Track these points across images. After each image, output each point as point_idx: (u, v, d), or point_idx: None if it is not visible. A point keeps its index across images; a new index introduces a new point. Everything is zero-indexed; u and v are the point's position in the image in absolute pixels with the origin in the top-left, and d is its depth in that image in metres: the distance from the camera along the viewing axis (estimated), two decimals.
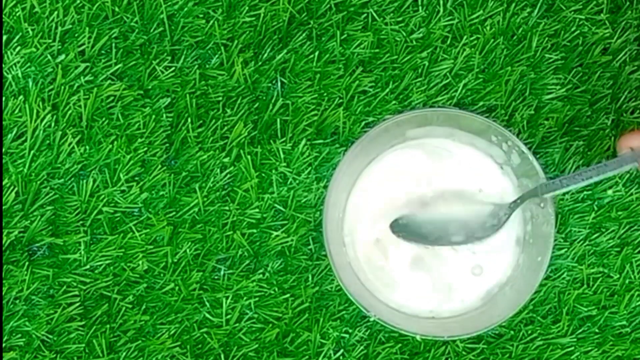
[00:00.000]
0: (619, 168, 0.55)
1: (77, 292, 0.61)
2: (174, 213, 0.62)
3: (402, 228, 0.60)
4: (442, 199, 0.61)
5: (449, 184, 0.61)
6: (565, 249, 0.63)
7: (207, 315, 0.62)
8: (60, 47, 0.61)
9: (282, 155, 0.62)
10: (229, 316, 0.62)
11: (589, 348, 0.63)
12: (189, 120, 0.62)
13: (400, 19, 0.62)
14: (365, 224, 0.61)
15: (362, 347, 0.63)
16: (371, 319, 0.57)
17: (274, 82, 0.62)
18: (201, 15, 0.62)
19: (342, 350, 0.63)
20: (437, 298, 0.61)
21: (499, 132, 0.58)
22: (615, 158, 0.55)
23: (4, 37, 0.61)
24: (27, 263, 0.61)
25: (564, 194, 0.63)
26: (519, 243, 0.61)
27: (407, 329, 0.58)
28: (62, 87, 0.61)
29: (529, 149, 0.58)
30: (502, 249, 0.61)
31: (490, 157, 0.61)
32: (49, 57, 0.61)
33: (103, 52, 0.62)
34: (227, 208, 0.62)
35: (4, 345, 0.60)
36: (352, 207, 0.61)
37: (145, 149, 0.62)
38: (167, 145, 0.62)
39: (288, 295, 0.62)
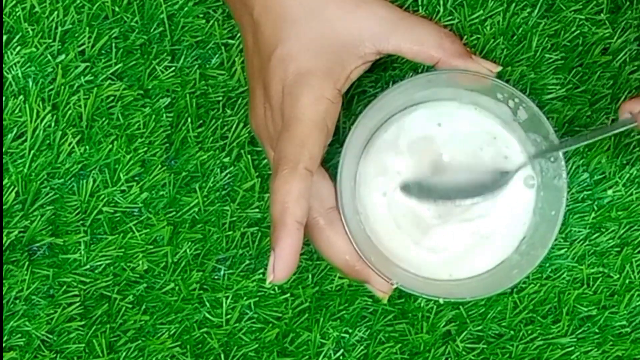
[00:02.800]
0: (619, 128, 0.57)
1: (77, 292, 0.61)
2: (174, 213, 0.62)
3: (414, 190, 0.60)
4: (456, 161, 0.60)
5: (458, 145, 0.61)
6: (565, 249, 0.63)
7: (207, 315, 0.62)
8: (60, 47, 0.61)
9: None
10: (229, 316, 0.62)
11: (589, 348, 0.63)
12: (189, 120, 0.62)
13: None
14: (377, 192, 0.61)
15: (362, 347, 0.63)
16: (394, 286, 0.57)
17: None
18: (201, 15, 0.62)
19: (342, 350, 0.63)
20: (453, 261, 0.60)
21: (504, 89, 0.58)
22: (616, 122, 0.57)
23: (4, 37, 0.61)
24: (27, 263, 0.61)
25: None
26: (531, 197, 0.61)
27: (430, 293, 0.58)
28: (62, 87, 0.61)
29: (537, 105, 0.58)
30: (514, 204, 0.61)
31: (496, 115, 0.60)
32: (49, 57, 0.61)
33: (103, 52, 0.62)
34: (227, 208, 0.62)
35: (4, 345, 0.61)
36: (363, 176, 0.60)
37: (145, 149, 0.62)
38: (167, 145, 0.62)
39: (288, 295, 0.62)
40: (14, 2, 0.61)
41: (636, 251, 0.64)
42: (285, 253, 0.52)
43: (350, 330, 0.62)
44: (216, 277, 0.62)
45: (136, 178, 0.62)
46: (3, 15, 0.61)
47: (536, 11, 0.63)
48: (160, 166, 0.62)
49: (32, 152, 0.61)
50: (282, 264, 0.52)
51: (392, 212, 0.60)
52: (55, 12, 0.61)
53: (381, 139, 0.61)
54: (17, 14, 0.61)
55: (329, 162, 0.61)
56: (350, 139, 0.57)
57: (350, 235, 0.57)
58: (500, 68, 0.59)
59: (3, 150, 0.61)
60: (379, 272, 0.57)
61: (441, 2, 0.62)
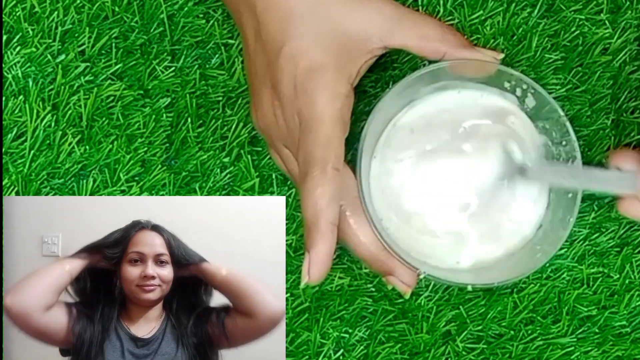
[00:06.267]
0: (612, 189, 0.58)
1: None
2: None
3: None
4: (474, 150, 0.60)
5: (476, 135, 0.60)
6: (565, 249, 0.63)
7: None
8: (60, 47, 0.61)
9: None
10: None
11: (589, 348, 0.63)
12: (189, 120, 0.62)
13: None
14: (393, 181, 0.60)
15: (362, 347, 0.63)
16: (421, 276, 0.57)
17: None
18: (201, 15, 0.62)
19: (342, 350, 0.63)
20: (475, 248, 0.60)
21: (512, 75, 0.58)
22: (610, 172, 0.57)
23: (4, 37, 0.61)
24: None
25: None
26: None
27: (457, 280, 0.58)
28: (62, 87, 0.61)
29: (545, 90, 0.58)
30: (531, 190, 0.61)
31: (504, 105, 0.60)
32: (49, 57, 0.61)
33: (103, 52, 0.62)
34: None
35: None
36: (379, 168, 0.60)
37: (145, 149, 0.62)
38: (167, 145, 0.62)
39: (288, 295, 0.62)
40: (14, 2, 0.61)
41: (636, 251, 0.64)
42: (321, 255, 0.54)
43: (350, 330, 0.62)
44: None
45: (136, 178, 0.62)
46: (3, 15, 0.61)
47: (536, 11, 0.63)
48: (160, 166, 0.62)
49: (32, 152, 0.61)
50: (317, 266, 0.54)
51: (408, 204, 0.60)
52: (55, 12, 0.61)
53: (396, 129, 0.60)
54: (17, 14, 0.61)
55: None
56: (366, 131, 0.57)
57: (373, 225, 0.56)
58: (503, 55, 0.60)
59: (3, 150, 0.61)
60: (405, 261, 0.57)
61: (441, 2, 0.62)
